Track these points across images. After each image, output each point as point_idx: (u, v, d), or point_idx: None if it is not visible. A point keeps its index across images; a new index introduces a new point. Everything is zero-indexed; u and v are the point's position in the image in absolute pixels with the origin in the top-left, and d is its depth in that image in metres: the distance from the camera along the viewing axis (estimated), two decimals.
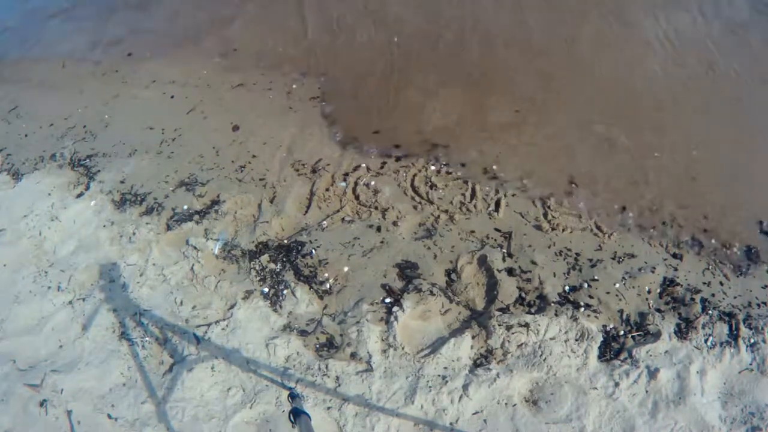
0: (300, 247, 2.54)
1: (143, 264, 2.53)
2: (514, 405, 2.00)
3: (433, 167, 2.82)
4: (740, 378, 2.03)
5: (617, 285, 2.30)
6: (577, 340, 2.12)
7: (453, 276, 2.38)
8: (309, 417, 1.49)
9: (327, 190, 2.77)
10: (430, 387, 2.04)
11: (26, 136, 3.40)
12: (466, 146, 2.91)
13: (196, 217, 2.71)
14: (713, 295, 2.26)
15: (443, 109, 3.10)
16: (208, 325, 2.30)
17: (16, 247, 2.70)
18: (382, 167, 2.85)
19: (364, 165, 2.87)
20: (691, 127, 2.87)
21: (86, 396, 2.16)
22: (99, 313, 2.39)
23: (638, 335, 2.16)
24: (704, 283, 2.31)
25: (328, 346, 2.22)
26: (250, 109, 3.28)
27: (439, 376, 2.07)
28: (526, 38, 3.40)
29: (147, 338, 2.30)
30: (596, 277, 2.32)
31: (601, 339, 2.14)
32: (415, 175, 2.80)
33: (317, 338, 2.24)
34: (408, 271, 2.40)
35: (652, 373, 2.02)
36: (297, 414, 1.48)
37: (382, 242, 2.53)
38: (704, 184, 2.64)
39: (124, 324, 2.35)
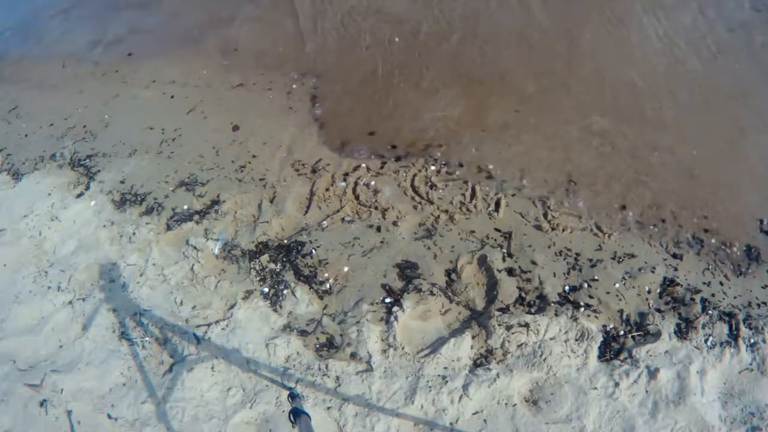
0: (300, 247, 2.54)
1: (143, 264, 2.53)
2: (514, 405, 2.00)
3: (432, 167, 2.83)
4: (740, 378, 2.03)
5: (617, 285, 2.30)
6: (577, 340, 2.12)
7: (453, 276, 2.38)
8: (309, 417, 1.49)
9: (327, 190, 2.77)
10: (430, 387, 2.04)
11: (26, 136, 3.40)
12: (467, 146, 2.90)
13: (196, 217, 2.71)
14: (713, 295, 2.27)
15: (443, 110, 3.10)
16: (208, 325, 2.30)
17: (16, 247, 2.70)
18: (382, 167, 2.85)
19: (364, 165, 2.87)
20: (691, 126, 2.87)
21: (86, 396, 2.16)
22: (99, 313, 2.39)
23: (638, 335, 2.16)
24: (704, 283, 2.31)
25: (328, 346, 2.22)
26: (250, 109, 3.28)
27: (439, 376, 2.07)
28: (526, 38, 3.40)
29: (147, 338, 2.30)
30: (596, 277, 2.32)
31: (601, 339, 2.14)
32: (415, 175, 2.80)
33: (317, 338, 2.24)
34: (408, 271, 2.40)
35: (652, 373, 2.02)
36: (297, 414, 1.48)
37: (382, 242, 2.53)
38: (704, 184, 2.64)
39: (124, 324, 2.35)
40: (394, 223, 2.59)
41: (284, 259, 2.50)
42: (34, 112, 3.56)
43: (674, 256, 2.40)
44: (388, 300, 2.31)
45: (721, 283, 2.31)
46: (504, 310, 2.23)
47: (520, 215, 2.59)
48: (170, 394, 2.11)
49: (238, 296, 2.38)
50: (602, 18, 3.43)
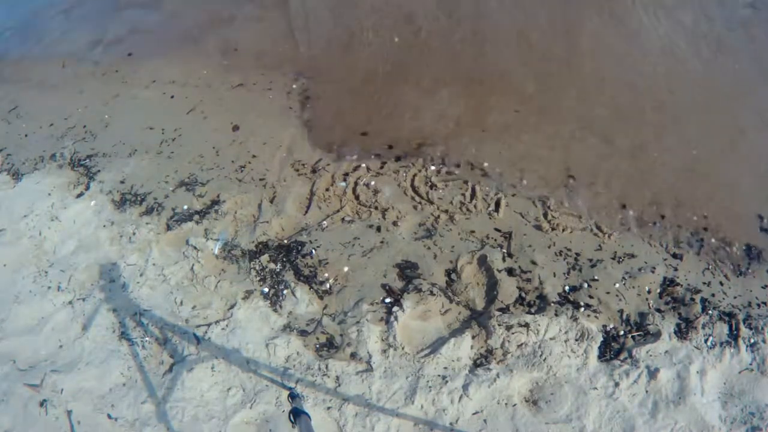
0: (300, 247, 2.54)
1: (143, 264, 2.53)
2: (514, 405, 2.00)
3: (432, 167, 2.82)
4: (740, 378, 2.03)
5: (617, 285, 2.30)
6: (577, 340, 2.12)
7: (453, 276, 2.38)
8: (309, 417, 1.49)
9: (327, 190, 2.77)
10: (430, 387, 2.04)
11: (26, 136, 3.40)
12: (466, 146, 2.90)
13: (196, 217, 2.71)
14: (713, 295, 2.27)
15: (443, 109, 3.10)
16: (208, 325, 2.30)
17: (16, 247, 2.69)
18: (382, 167, 2.85)
19: (364, 165, 2.87)
20: (691, 126, 2.87)
21: (86, 396, 2.16)
22: (99, 313, 2.39)
23: (638, 335, 2.16)
24: (704, 283, 2.31)
25: (328, 346, 2.22)
26: (250, 109, 3.28)
27: (439, 376, 2.07)
28: (526, 37, 3.40)
29: (147, 338, 2.30)
30: (596, 277, 2.32)
31: (601, 339, 2.14)
32: (415, 175, 2.80)
33: (317, 338, 2.24)
34: (408, 271, 2.40)
35: (652, 373, 2.02)
36: (297, 414, 1.48)
37: (382, 242, 2.53)
38: (704, 183, 2.64)
39: (124, 324, 2.35)
40: (394, 223, 2.59)
41: (284, 259, 2.50)
42: (34, 112, 3.56)
43: (674, 256, 2.40)
44: (388, 300, 2.31)
45: (721, 283, 2.31)
46: (504, 310, 2.23)
47: (520, 215, 2.59)
48: (170, 394, 2.11)
49: (238, 296, 2.38)
50: (602, 18, 3.43)
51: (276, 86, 3.40)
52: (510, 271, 2.37)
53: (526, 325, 2.16)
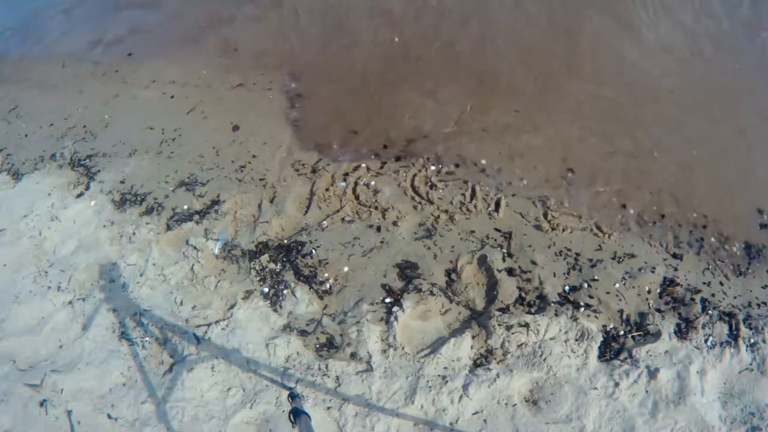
0: (300, 247, 2.54)
1: (143, 264, 2.53)
2: (514, 405, 2.00)
3: (432, 167, 2.82)
4: (740, 378, 2.03)
5: (617, 285, 2.30)
6: (577, 340, 2.12)
7: (453, 276, 2.38)
8: (309, 417, 1.49)
9: (327, 190, 2.77)
10: (430, 387, 2.04)
11: (26, 136, 3.40)
12: (467, 146, 2.90)
13: (196, 217, 2.71)
14: (713, 295, 2.27)
15: (443, 109, 3.10)
16: (208, 325, 2.30)
17: (16, 247, 2.69)
18: (382, 167, 2.85)
19: (364, 165, 2.87)
20: (691, 125, 2.87)
21: (86, 396, 2.16)
22: (99, 313, 2.39)
23: (638, 335, 2.16)
24: (704, 283, 2.31)
25: (328, 346, 2.22)
26: (250, 109, 3.28)
27: (439, 376, 2.07)
28: (526, 37, 3.40)
29: (147, 338, 2.30)
30: (596, 277, 2.32)
31: (601, 339, 2.14)
32: (415, 175, 2.80)
33: (317, 338, 2.24)
34: (408, 271, 2.40)
35: (652, 373, 2.02)
36: (297, 414, 1.48)
37: (382, 242, 2.53)
38: (704, 183, 2.64)
39: (124, 324, 2.35)
40: (394, 223, 2.59)
41: (284, 259, 2.50)
42: (34, 112, 3.56)
43: (674, 256, 2.40)
44: (388, 300, 2.31)
45: (721, 283, 2.31)
46: (504, 310, 2.23)
47: (520, 215, 2.59)
48: (170, 394, 2.11)
49: (238, 296, 2.38)
50: (602, 18, 3.43)
51: (276, 86, 3.40)
52: (510, 271, 2.37)
53: (526, 325, 2.16)
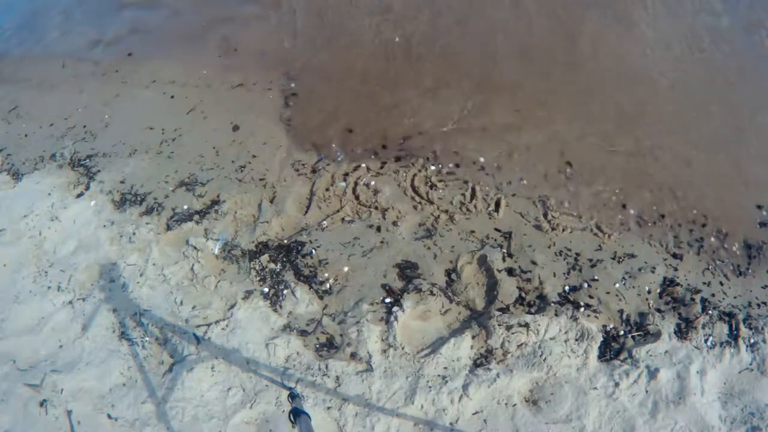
0: (300, 247, 2.54)
1: (143, 264, 2.53)
2: (514, 405, 2.00)
3: (432, 167, 2.82)
4: (740, 378, 2.03)
5: (617, 285, 2.30)
6: (577, 340, 2.12)
7: (453, 276, 2.38)
8: (309, 417, 1.49)
9: (327, 190, 2.77)
10: (430, 387, 2.04)
11: (26, 136, 3.40)
12: (467, 146, 2.90)
13: (196, 217, 2.71)
14: (713, 295, 2.27)
15: (443, 109, 3.10)
16: (208, 325, 2.30)
17: (16, 247, 2.69)
18: (382, 167, 2.85)
19: (364, 165, 2.86)
20: (691, 125, 2.87)
21: (86, 396, 2.16)
22: (99, 313, 2.39)
23: (638, 335, 2.16)
24: (704, 283, 2.31)
25: (328, 346, 2.22)
26: (250, 109, 3.28)
27: (439, 376, 2.07)
28: (526, 36, 3.39)
29: (147, 338, 2.30)
30: (596, 277, 2.32)
31: (601, 339, 2.14)
32: (415, 175, 2.80)
33: (317, 338, 2.24)
34: (408, 271, 2.40)
35: (652, 373, 2.02)
36: (297, 414, 1.48)
37: (382, 242, 2.53)
38: (704, 183, 2.64)
39: (124, 324, 2.35)
40: (394, 223, 2.59)
41: (284, 259, 2.50)
42: (34, 112, 3.56)
43: (674, 256, 2.40)
44: (388, 300, 2.31)
45: (721, 283, 2.31)
46: (504, 310, 2.23)
47: (520, 215, 2.59)
48: (170, 394, 2.11)
49: (238, 296, 2.38)
50: (602, 17, 3.43)
51: (276, 86, 3.40)
52: (510, 271, 2.37)
53: (526, 325, 2.16)
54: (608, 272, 2.34)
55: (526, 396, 2.05)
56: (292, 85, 3.38)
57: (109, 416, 2.10)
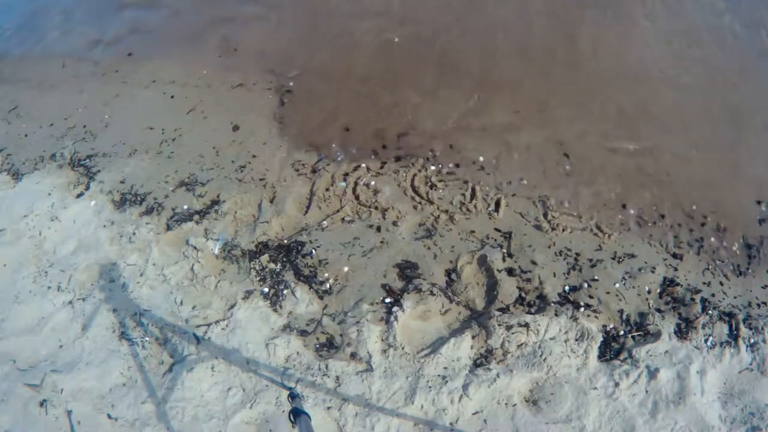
0: (300, 247, 2.54)
1: (143, 264, 2.53)
2: (514, 405, 2.00)
3: (432, 167, 2.82)
4: (740, 378, 2.03)
5: (617, 285, 2.30)
6: (577, 340, 2.12)
7: (453, 276, 2.38)
8: (309, 417, 1.49)
9: (327, 190, 2.77)
10: (430, 387, 2.04)
11: (26, 136, 3.39)
12: (467, 146, 2.90)
13: (196, 217, 2.71)
14: (713, 295, 2.27)
15: (443, 109, 3.10)
16: (208, 325, 2.30)
17: (16, 247, 2.69)
18: (381, 167, 2.85)
19: (364, 165, 2.87)
20: (691, 125, 2.87)
21: (86, 396, 2.16)
22: (99, 313, 2.39)
23: (638, 335, 2.16)
24: (704, 283, 2.31)
25: (328, 346, 2.22)
26: (250, 109, 3.28)
27: (439, 376, 2.07)
28: (525, 36, 3.39)
29: (147, 338, 2.30)
30: (596, 277, 2.32)
31: (601, 339, 2.14)
32: (415, 175, 2.80)
33: (317, 338, 2.24)
34: (408, 271, 2.40)
35: (652, 373, 2.02)
36: (297, 414, 1.48)
37: (382, 242, 2.52)
38: (704, 182, 2.65)
39: (124, 324, 2.35)
40: (394, 223, 2.59)
41: (284, 259, 2.50)
42: (34, 112, 3.56)
43: (674, 256, 2.40)
44: (388, 300, 2.31)
45: (721, 283, 2.31)
46: (504, 310, 2.23)
47: (520, 215, 2.59)
48: (170, 394, 2.11)
49: (238, 296, 2.38)
50: (602, 17, 3.43)
51: (275, 86, 3.40)
52: (510, 271, 2.37)
53: (526, 325, 2.16)
54: (608, 272, 2.34)
55: (526, 396, 2.05)
56: (292, 84, 3.38)
57: (109, 416, 2.10)
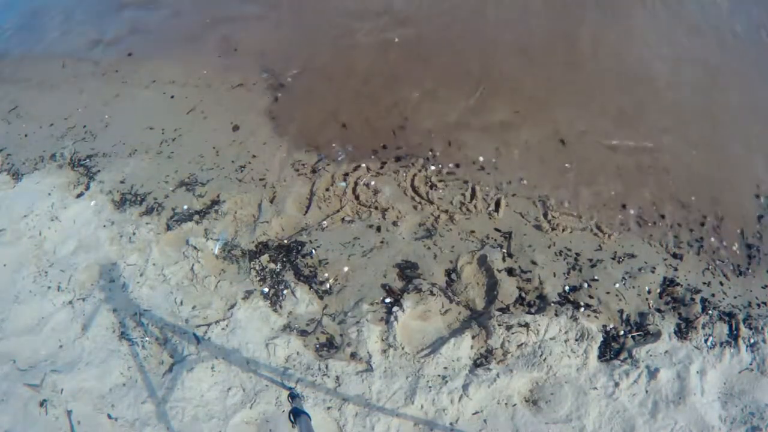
0: (300, 247, 2.54)
1: (143, 264, 2.53)
2: (514, 405, 2.00)
3: (432, 167, 2.82)
4: (740, 378, 2.03)
5: (617, 285, 2.30)
6: (577, 340, 2.12)
7: (453, 276, 2.38)
8: (309, 417, 1.49)
9: (327, 190, 2.77)
10: (430, 387, 2.04)
11: (26, 136, 3.40)
12: (467, 146, 2.90)
13: (196, 217, 2.71)
14: (713, 295, 2.27)
15: (443, 109, 3.10)
16: (208, 325, 2.30)
17: (16, 247, 2.69)
18: (382, 167, 2.85)
19: (364, 165, 2.86)
20: (691, 125, 2.87)
21: (86, 396, 2.16)
22: (99, 313, 2.39)
23: (638, 335, 2.16)
24: (704, 283, 2.31)
25: (328, 346, 2.22)
26: (250, 109, 3.28)
27: (439, 376, 2.07)
28: (525, 36, 3.39)
29: (147, 338, 2.30)
30: (596, 277, 2.32)
31: (601, 339, 2.14)
32: (415, 175, 2.80)
33: (317, 338, 2.24)
34: (408, 271, 2.40)
35: (652, 373, 2.02)
36: (297, 414, 1.48)
37: (382, 242, 2.52)
38: (704, 182, 2.64)
39: (124, 324, 2.35)
40: (394, 223, 2.59)
41: (284, 259, 2.50)
42: (34, 112, 3.56)
43: (674, 256, 2.40)
44: (388, 300, 2.31)
45: (721, 283, 2.31)
46: (504, 310, 2.23)
47: (520, 215, 2.59)
48: (170, 394, 2.11)
49: (238, 296, 2.38)
50: (602, 17, 3.43)
51: (275, 86, 3.40)
52: (510, 271, 2.37)
53: (526, 325, 2.16)
54: (608, 272, 2.34)
55: (526, 396, 2.05)
56: (292, 84, 3.38)
57: (109, 416, 2.10)
